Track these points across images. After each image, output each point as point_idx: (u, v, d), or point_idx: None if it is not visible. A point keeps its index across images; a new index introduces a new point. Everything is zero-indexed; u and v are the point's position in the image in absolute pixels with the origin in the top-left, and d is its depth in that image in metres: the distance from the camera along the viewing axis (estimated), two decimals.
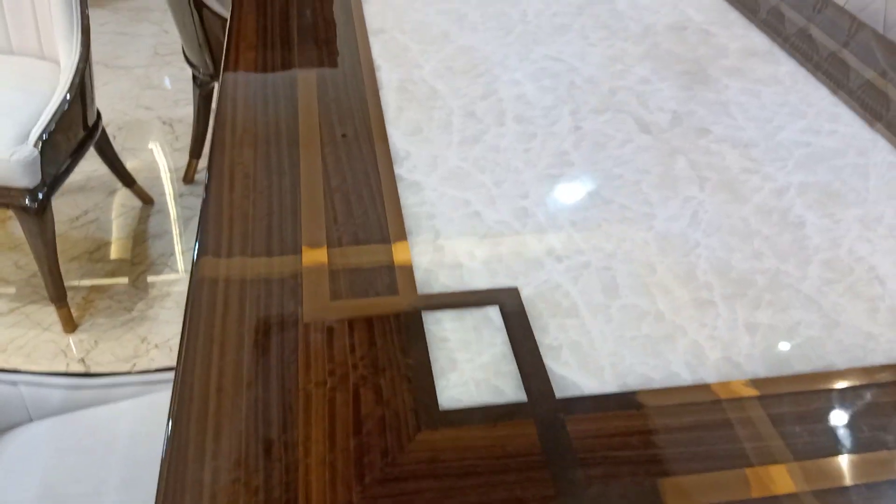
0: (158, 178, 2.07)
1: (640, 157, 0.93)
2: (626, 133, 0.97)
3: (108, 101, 2.40)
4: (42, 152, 1.40)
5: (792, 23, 1.30)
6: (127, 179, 1.89)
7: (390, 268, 0.75)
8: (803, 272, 0.77)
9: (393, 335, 0.68)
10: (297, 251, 0.76)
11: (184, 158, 2.13)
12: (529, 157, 0.92)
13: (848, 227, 0.83)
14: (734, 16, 1.31)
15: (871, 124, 1.01)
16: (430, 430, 0.60)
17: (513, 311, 0.71)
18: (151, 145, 2.20)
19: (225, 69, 1.08)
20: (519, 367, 0.65)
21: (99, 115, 1.71)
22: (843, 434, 0.62)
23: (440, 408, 0.62)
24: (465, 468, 0.58)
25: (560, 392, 0.64)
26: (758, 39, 1.23)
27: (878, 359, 0.68)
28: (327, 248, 0.77)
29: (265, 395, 0.62)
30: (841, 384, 0.66)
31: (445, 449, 0.59)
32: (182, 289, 1.72)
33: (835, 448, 0.61)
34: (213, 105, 2.01)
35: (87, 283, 1.71)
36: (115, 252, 1.81)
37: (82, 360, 1.53)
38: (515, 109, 1.02)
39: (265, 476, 0.56)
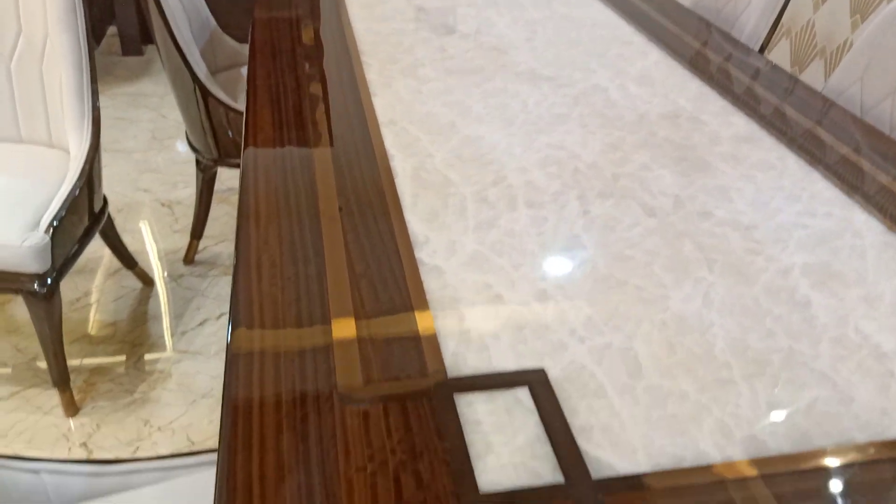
0: (158, 259, 2.09)
1: (648, 239, 0.97)
2: (633, 217, 1.02)
3: (107, 183, 2.43)
4: (52, 238, 1.42)
5: (773, 107, 1.38)
6: (129, 262, 1.91)
7: (419, 351, 0.77)
8: (815, 350, 0.80)
9: (427, 419, 0.70)
10: (328, 336, 0.78)
11: (183, 240, 2.15)
12: (544, 241, 0.96)
13: (852, 307, 0.87)
14: (722, 103, 1.39)
15: (865, 207, 1.07)
16: None
17: (542, 392, 0.73)
18: (151, 227, 2.23)
19: (244, 161, 1.13)
20: (554, 450, 0.67)
21: (105, 201, 1.74)
22: None
23: (480, 491, 0.63)
24: None
25: (595, 473, 0.65)
26: (747, 126, 1.31)
27: (895, 434, 0.71)
28: (356, 332, 0.79)
29: (308, 482, 0.63)
30: (864, 457, 0.68)
31: None
32: (184, 370, 1.71)
33: None
34: (216, 187, 2.06)
35: (87, 365, 1.70)
36: (115, 335, 1.81)
37: (84, 445, 1.51)
38: (525, 195, 1.07)
39: None
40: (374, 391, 0.72)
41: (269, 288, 0.85)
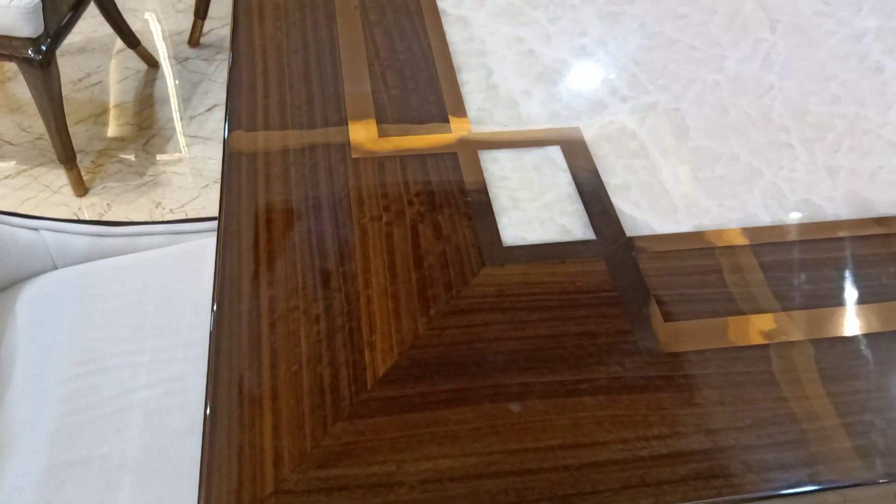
0: (162, 41, 1.96)
1: None
2: None
3: None
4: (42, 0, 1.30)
5: None
6: (131, 40, 1.79)
7: (440, 104, 0.69)
8: (884, 118, 0.71)
9: (448, 172, 0.63)
10: (339, 86, 0.70)
11: (187, 21, 2.00)
12: None
13: None
14: None
15: None
16: (494, 266, 0.57)
17: (576, 151, 0.66)
18: (152, 6, 2.07)
19: None
20: (585, 207, 0.61)
21: None
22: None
23: (504, 244, 0.58)
24: (534, 303, 0.54)
25: (630, 232, 0.60)
26: None
27: None
28: (370, 82, 0.71)
29: (318, 228, 0.58)
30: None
31: (512, 284, 0.56)
32: (194, 154, 1.66)
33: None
34: None
35: (95, 146, 1.65)
36: (121, 116, 1.73)
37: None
38: None
39: (325, 305, 0.53)
40: (390, 144, 0.65)
41: (274, 32, 0.75)
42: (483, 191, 0.62)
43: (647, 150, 0.66)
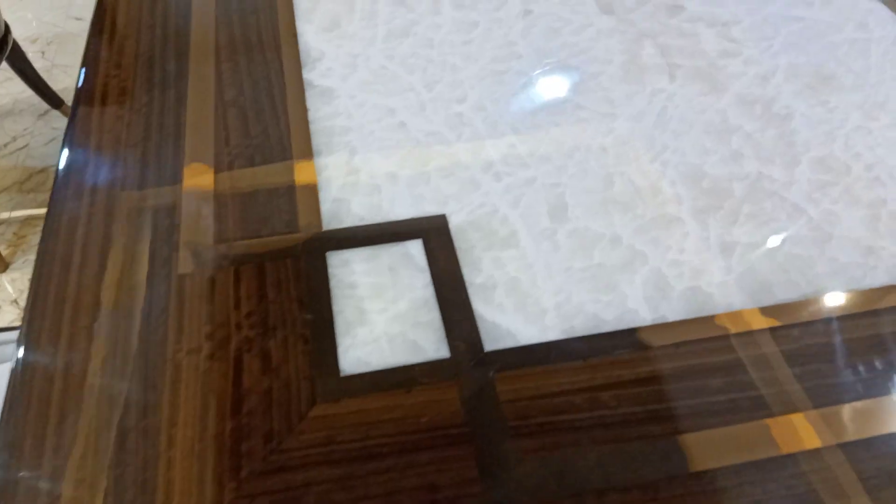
0: None
1: (600, 43, 0.77)
2: (585, 15, 0.81)
3: (34, 12, 2.18)
4: None
5: None
6: (54, 100, 1.72)
7: (291, 197, 0.62)
8: (790, 175, 0.63)
9: (289, 284, 0.55)
10: (177, 181, 0.63)
11: None
12: (470, 52, 0.77)
13: (844, 117, 0.69)
14: None
15: None
16: (327, 403, 0.49)
17: (439, 244, 0.58)
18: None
19: None
20: (442, 315, 0.53)
21: (8, 29, 1.52)
22: (837, 377, 0.51)
23: (342, 373, 0.50)
24: (370, 450, 0.46)
25: (491, 343, 0.52)
26: None
27: (881, 279, 0.56)
28: (214, 174, 0.63)
29: (123, 370, 0.50)
30: (836, 312, 0.54)
31: (345, 426, 0.48)
32: None
33: (828, 396, 0.49)
34: None
35: (17, 216, 1.57)
36: (47, 181, 1.66)
37: (15, 302, 1.41)
38: None
39: (117, 474, 0.45)
40: (227, 250, 0.57)
41: (114, 122, 0.68)
42: (326, 304, 0.54)
43: (518, 237, 0.58)
